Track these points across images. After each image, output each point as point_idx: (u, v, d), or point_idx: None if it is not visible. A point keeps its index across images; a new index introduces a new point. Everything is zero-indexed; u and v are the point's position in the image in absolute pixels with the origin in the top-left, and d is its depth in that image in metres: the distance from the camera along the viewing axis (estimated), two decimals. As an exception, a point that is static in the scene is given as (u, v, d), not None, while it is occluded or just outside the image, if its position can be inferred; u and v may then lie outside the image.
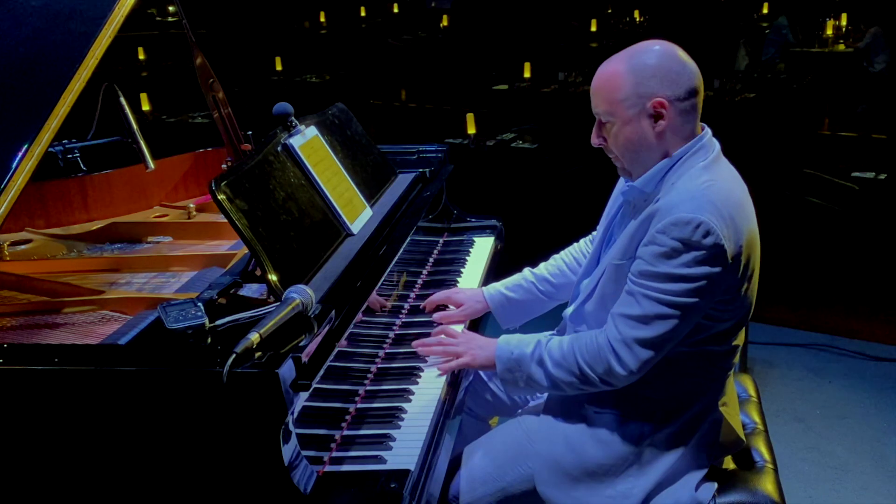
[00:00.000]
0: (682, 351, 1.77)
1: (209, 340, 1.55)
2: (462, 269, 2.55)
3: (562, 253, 2.28)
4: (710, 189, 1.69)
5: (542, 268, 2.26)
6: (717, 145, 1.81)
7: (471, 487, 1.91)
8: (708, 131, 1.82)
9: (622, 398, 1.82)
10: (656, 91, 1.72)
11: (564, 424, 1.87)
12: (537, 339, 1.84)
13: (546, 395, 1.96)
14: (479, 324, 2.30)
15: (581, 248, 2.25)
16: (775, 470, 1.97)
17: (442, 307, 2.25)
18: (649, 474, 1.80)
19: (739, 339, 1.84)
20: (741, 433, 1.92)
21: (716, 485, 1.87)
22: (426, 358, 2.00)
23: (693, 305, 1.67)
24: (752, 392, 2.28)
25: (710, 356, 1.81)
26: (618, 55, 1.79)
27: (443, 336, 2.03)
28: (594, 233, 2.12)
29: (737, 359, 1.88)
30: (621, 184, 1.98)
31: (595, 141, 1.84)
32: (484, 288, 2.27)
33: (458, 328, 2.18)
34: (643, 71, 1.73)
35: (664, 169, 1.77)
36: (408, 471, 1.61)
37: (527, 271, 2.27)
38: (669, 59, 1.74)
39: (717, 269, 1.65)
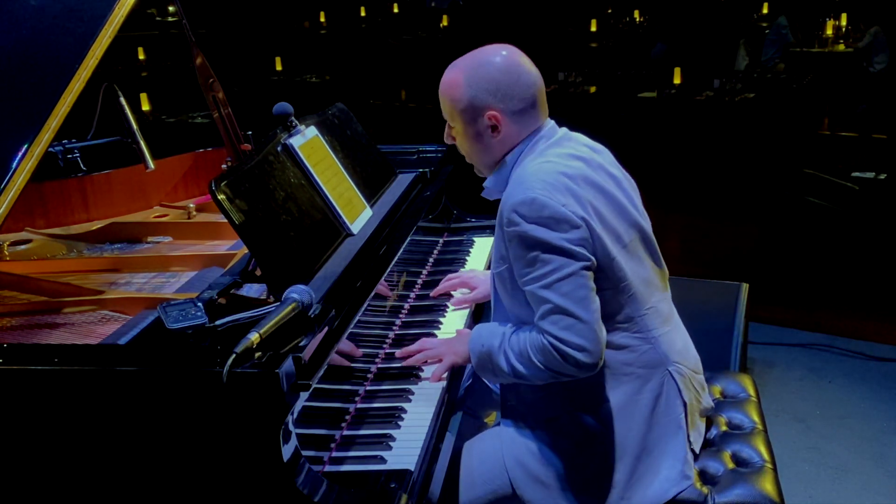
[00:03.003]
0: None
1: (209, 340, 1.55)
2: (462, 269, 2.55)
3: None
4: (539, 169, 1.76)
5: None
6: (558, 132, 1.87)
7: (469, 487, 1.91)
8: (548, 123, 1.87)
9: (569, 396, 1.83)
10: (491, 104, 1.80)
11: (530, 441, 1.87)
12: (502, 331, 1.85)
13: (500, 412, 1.97)
14: (483, 315, 2.31)
15: None
16: (775, 470, 1.97)
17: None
18: (625, 455, 1.82)
19: (657, 301, 1.85)
20: (692, 394, 1.90)
21: (691, 456, 1.88)
22: (442, 374, 1.98)
23: (581, 269, 1.69)
24: (751, 392, 2.27)
25: (628, 326, 1.82)
26: (462, 61, 1.85)
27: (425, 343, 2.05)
28: None
29: (664, 318, 1.87)
30: None
31: (446, 140, 1.94)
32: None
33: (464, 315, 2.23)
34: (479, 84, 1.80)
35: (510, 166, 1.85)
36: (408, 471, 1.61)
37: None
38: (506, 73, 1.80)
39: (574, 235, 1.69)
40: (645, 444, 1.83)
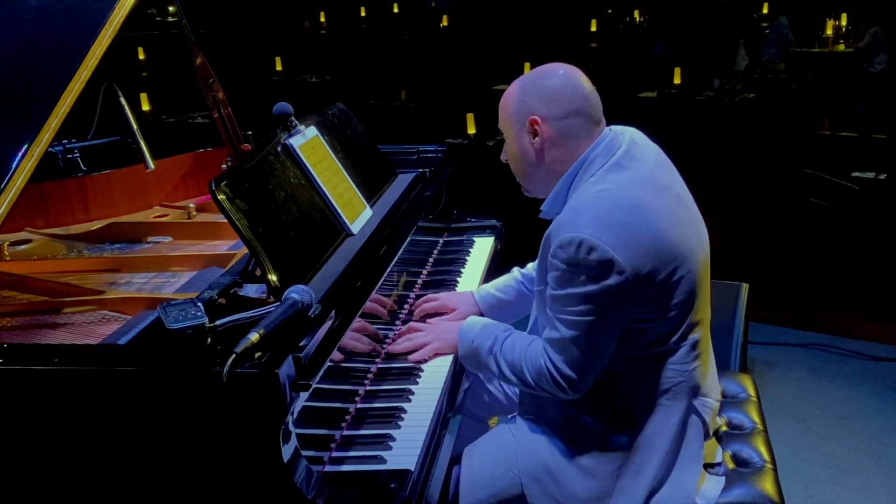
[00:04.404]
0: (631, 357, 1.78)
1: (209, 340, 1.55)
2: (462, 270, 2.55)
3: None
4: (595, 202, 1.71)
5: (531, 267, 2.28)
6: (620, 145, 1.80)
7: (469, 490, 1.91)
8: (606, 134, 1.82)
9: (593, 419, 1.82)
10: (535, 109, 1.81)
11: (544, 456, 1.86)
12: (496, 335, 1.88)
13: (518, 413, 1.98)
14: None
15: None
16: (775, 470, 1.97)
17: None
18: (640, 485, 1.80)
19: (696, 332, 1.82)
20: (712, 423, 1.90)
21: (724, 479, 1.87)
22: (426, 358, 2.01)
23: (606, 319, 1.69)
24: (751, 392, 2.28)
25: (662, 357, 1.79)
26: (522, 76, 1.89)
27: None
28: None
29: (702, 349, 1.85)
30: None
31: (502, 158, 1.94)
32: (475, 290, 2.29)
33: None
34: (528, 90, 1.83)
35: (565, 187, 1.82)
36: (408, 471, 1.61)
37: (516, 271, 2.30)
38: (553, 80, 1.82)
39: (613, 281, 1.65)
40: (663, 474, 1.81)
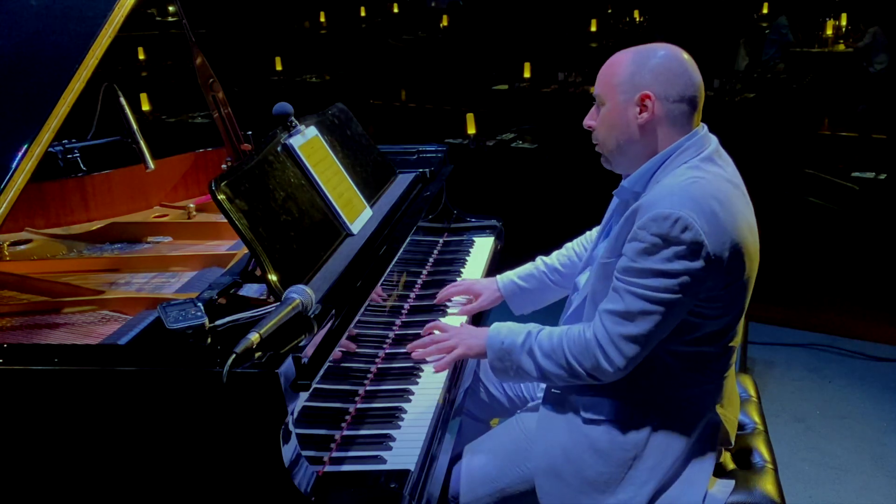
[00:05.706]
0: (675, 351, 1.77)
1: (209, 340, 1.55)
2: (462, 269, 2.55)
3: (573, 242, 2.32)
4: (693, 185, 1.70)
5: (554, 257, 2.31)
6: (711, 142, 1.81)
7: (470, 488, 1.91)
8: (701, 128, 1.81)
9: (617, 405, 1.82)
10: (649, 84, 1.75)
11: (561, 434, 1.86)
12: (528, 330, 1.85)
13: (542, 398, 1.97)
14: (482, 318, 2.31)
15: (591, 238, 2.26)
16: (775, 470, 1.97)
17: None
18: (650, 480, 1.80)
19: (735, 341, 1.84)
20: (732, 437, 1.92)
21: (733, 482, 1.88)
22: (426, 358, 2.00)
23: (675, 301, 1.68)
24: (752, 392, 2.28)
25: (704, 357, 1.80)
26: (631, 48, 1.83)
27: (436, 332, 2.03)
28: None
29: (734, 360, 1.88)
30: None
31: (587, 122, 1.88)
32: (498, 277, 2.33)
33: (463, 320, 2.21)
34: (644, 63, 1.77)
35: (653, 168, 1.78)
36: (408, 471, 1.61)
37: (539, 260, 2.32)
38: (673, 61, 1.77)
39: (697, 265, 1.65)
40: (676, 472, 1.82)
